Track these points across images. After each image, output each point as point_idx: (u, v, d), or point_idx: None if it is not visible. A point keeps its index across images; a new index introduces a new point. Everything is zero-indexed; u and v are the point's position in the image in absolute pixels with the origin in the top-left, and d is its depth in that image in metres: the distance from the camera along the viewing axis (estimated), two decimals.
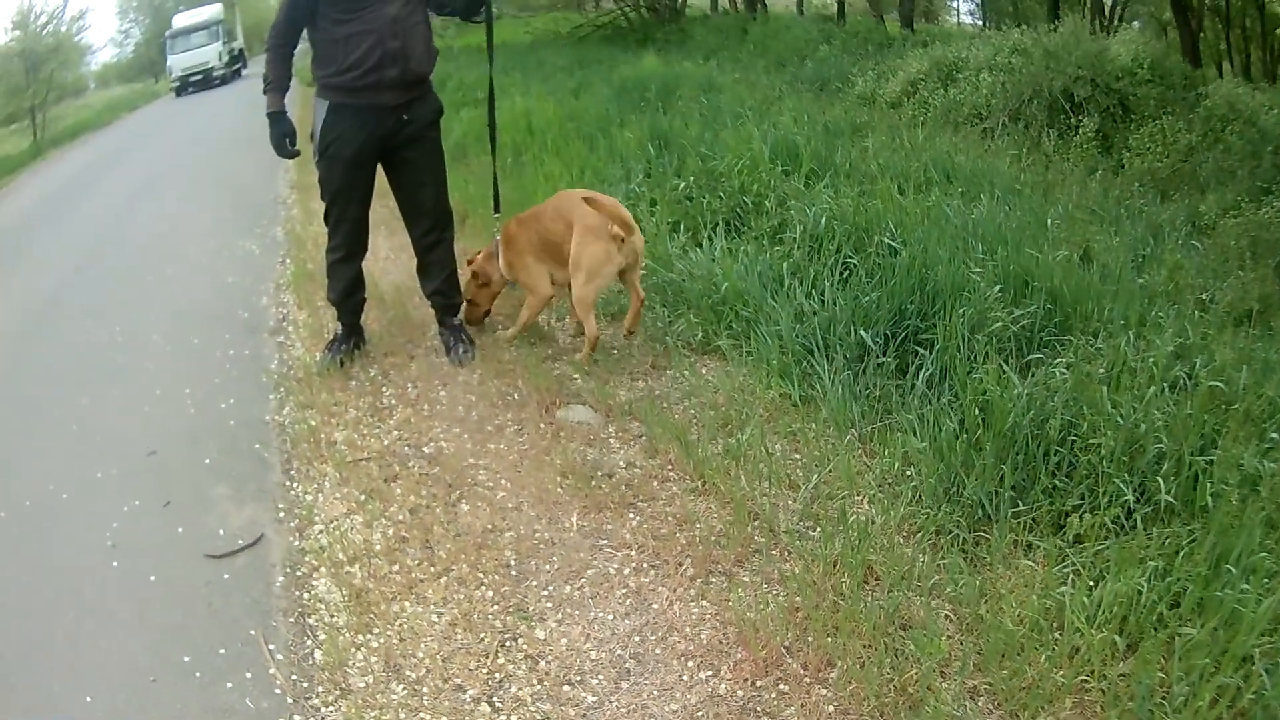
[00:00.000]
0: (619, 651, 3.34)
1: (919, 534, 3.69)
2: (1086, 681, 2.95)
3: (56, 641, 3.76)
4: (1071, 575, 3.30)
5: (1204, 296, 5.90)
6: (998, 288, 4.94)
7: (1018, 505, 3.66)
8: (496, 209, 5.83)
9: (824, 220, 5.97)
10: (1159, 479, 3.55)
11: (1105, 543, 3.39)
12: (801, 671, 3.16)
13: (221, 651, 3.58)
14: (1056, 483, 3.70)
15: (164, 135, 23.24)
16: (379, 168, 5.48)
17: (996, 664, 3.04)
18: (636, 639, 3.39)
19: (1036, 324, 4.79)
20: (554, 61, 18.45)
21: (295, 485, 4.65)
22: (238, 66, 42.79)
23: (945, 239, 5.59)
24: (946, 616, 3.31)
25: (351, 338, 5.90)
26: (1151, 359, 4.24)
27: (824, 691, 3.09)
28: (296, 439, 5.01)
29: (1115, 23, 20.78)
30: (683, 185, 7.09)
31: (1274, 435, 3.92)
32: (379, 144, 5.30)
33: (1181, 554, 3.26)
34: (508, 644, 3.43)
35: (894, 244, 5.57)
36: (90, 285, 8.81)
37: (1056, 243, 5.95)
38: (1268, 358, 4.73)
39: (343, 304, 5.78)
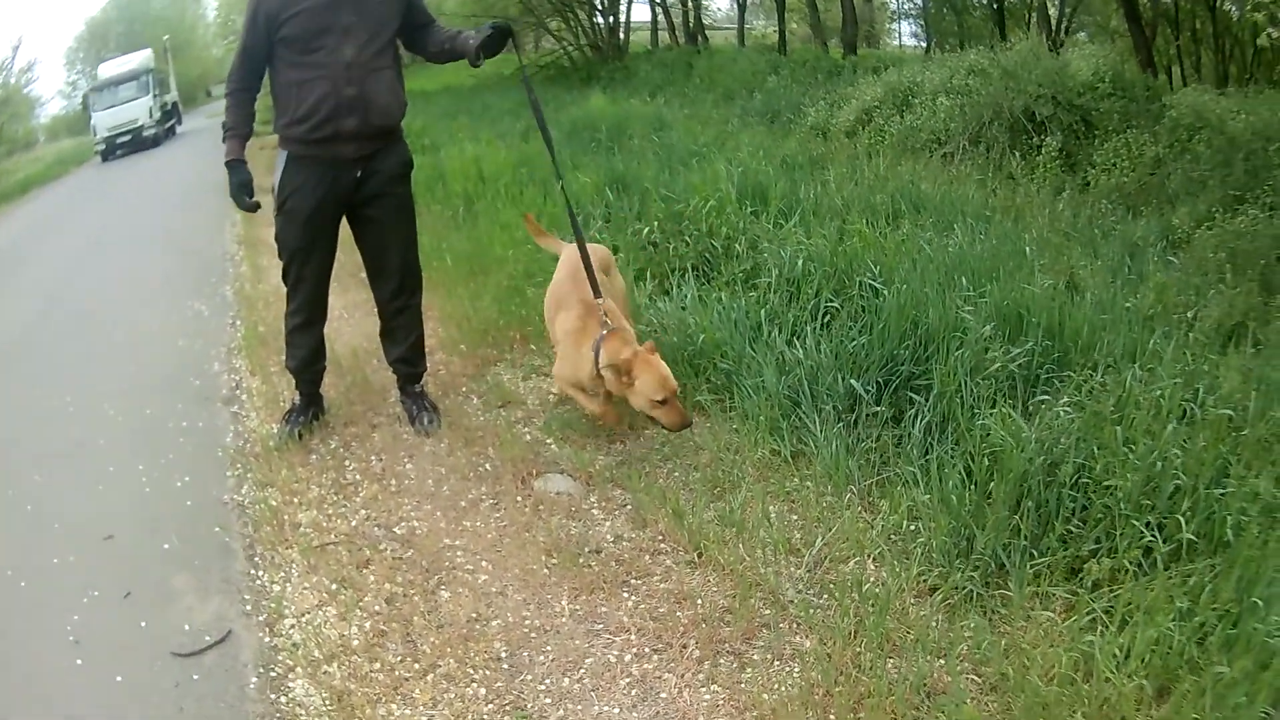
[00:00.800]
0: None
1: (933, 594, 3.53)
2: None
3: None
4: (1096, 623, 3.19)
5: (1189, 315, 5.76)
6: (991, 325, 4.77)
7: (1032, 555, 3.51)
8: (596, 294, 4.78)
9: (800, 262, 5.78)
10: (1179, 517, 3.42)
11: (1125, 585, 3.27)
12: None
13: None
14: (1071, 528, 3.55)
15: (112, 191, 22.88)
16: (344, 224, 5.20)
17: None
18: None
19: (1034, 361, 4.62)
20: (499, 105, 18.33)
21: (260, 574, 4.40)
22: (171, 123, 38.67)
23: (930, 276, 5.43)
24: (969, 678, 3.16)
25: (310, 408, 5.63)
26: (1159, 391, 4.10)
27: None
28: (258, 521, 4.77)
29: (1063, 35, 20.87)
30: (646, 230, 6.89)
31: None
32: (340, 199, 5.01)
33: (1206, 590, 3.16)
34: None
35: (876, 284, 5.40)
36: (39, 351, 8.56)
37: (1040, 271, 5.81)
38: (1270, 376, 4.60)
39: (301, 373, 5.51)
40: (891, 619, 3.38)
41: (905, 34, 34.13)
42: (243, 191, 4.94)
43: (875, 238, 6.30)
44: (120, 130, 33.54)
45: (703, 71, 21.53)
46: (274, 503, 4.86)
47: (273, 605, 4.11)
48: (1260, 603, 3.06)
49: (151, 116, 34.42)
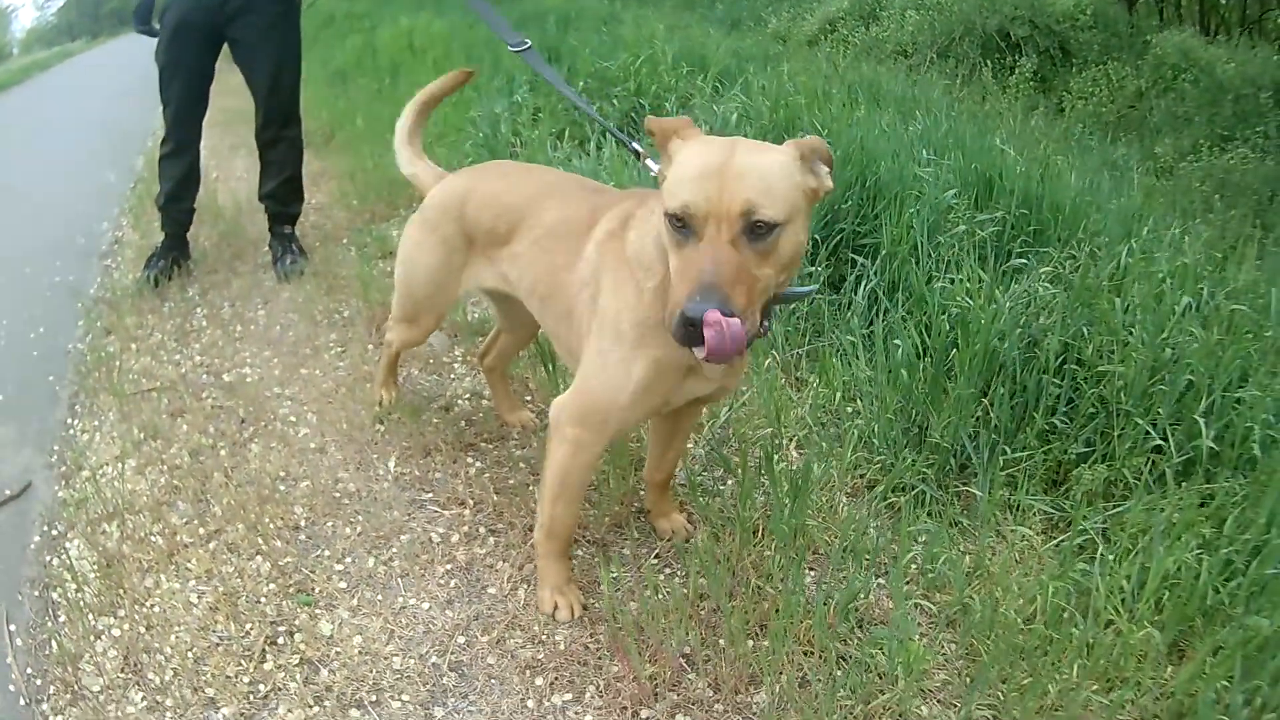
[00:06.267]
0: (434, 659, 2.29)
1: (871, 490, 2.66)
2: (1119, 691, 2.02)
3: None
4: (1088, 548, 2.38)
5: (1177, 232, 4.97)
6: (954, 191, 3.86)
7: (1004, 453, 2.65)
8: None
9: (735, 118, 4.97)
10: (1199, 419, 2.57)
11: (1131, 503, 2.41)
12: (711, 694, 2.15)
13: None
14: (1055, 422, 2.71)
15: (68, 88, 22.06)
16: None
17: (998, 675, 2.03)
18: (461, 640, 2.32)
19: (1006, 232, 3.71)
20: (452, 2, 17.50)
21: (76, 423, 3.69)
22: None
23: (885, 138, 4.52)
24: (919, 605, 2.30)
25: (171, 252, 5.07)
26: (1161, 273, 3.24)
27: None
28: (90, 368, 4.05)
29: None
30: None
31: None
32: (206, 15, 4.60)
33: (1232, 518, 2.34)
34: (280, 641, 2.34)
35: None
36: None
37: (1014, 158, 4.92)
38: None
39: (168, 209, 4.99)
40: (815, 517, 2.52)
41: None
42: (138, 15, 4.79)
43: (822, 101, 5.42)
44: None
45: None
46: (110, 349, 4.24)
47: (74, 456, 3.47)
48: None
49: None
